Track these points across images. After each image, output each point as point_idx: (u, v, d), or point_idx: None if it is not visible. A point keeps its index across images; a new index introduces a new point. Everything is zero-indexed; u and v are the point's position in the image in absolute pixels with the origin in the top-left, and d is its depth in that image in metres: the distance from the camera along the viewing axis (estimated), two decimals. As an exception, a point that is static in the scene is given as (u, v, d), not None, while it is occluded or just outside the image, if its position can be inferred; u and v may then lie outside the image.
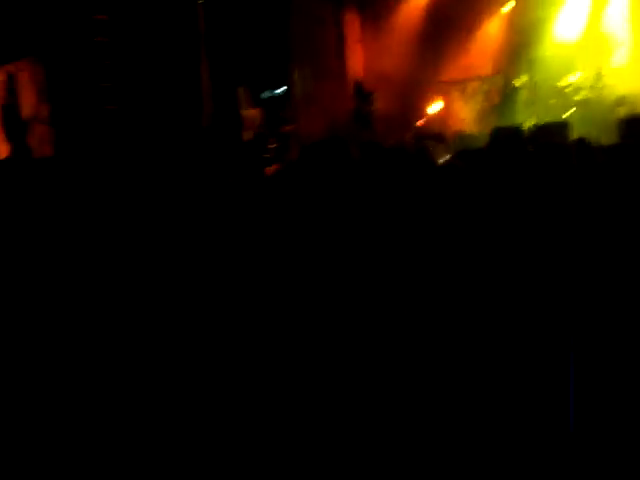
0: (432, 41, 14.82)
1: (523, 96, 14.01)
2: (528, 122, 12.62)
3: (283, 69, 13.12)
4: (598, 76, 13.61)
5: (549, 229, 4.20)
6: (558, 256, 3.88)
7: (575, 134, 9.98)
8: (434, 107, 14.74)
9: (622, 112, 11.91)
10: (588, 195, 4.37)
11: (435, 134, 11.06)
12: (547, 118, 12.28)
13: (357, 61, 15.08)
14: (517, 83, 14.03)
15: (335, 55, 14.61)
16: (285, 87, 13.23)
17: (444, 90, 14.73)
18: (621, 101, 12.87)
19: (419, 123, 14.40)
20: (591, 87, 13.49)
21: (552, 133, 10.03)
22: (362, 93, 13.21)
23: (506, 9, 14.99)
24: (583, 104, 13.18)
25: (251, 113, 12.06)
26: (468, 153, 6.53)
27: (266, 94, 13.10)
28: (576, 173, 4.76)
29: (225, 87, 11.63)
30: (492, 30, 15.04)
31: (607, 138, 9.62)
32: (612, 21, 14.04)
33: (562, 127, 10.91)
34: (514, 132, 11.28)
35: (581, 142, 7.58)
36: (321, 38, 14.30)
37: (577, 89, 13.46)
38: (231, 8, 11.65)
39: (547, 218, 4.35)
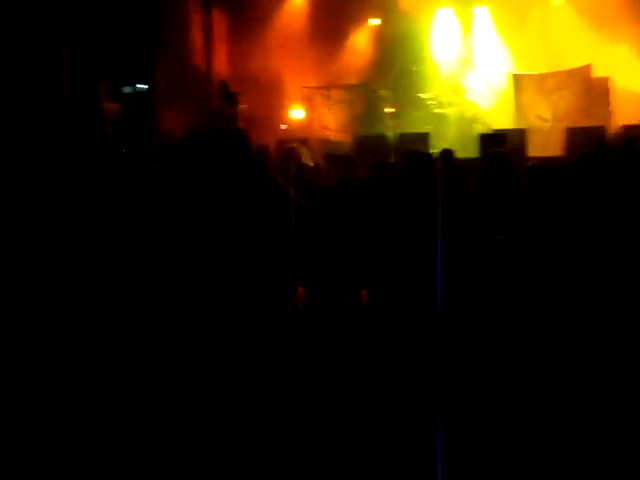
0: (300, 47, 14.89)
1: (386, 106, 14.32)
2: (390, 131, 12.92)
3: (146, 65, 12.77)
4: (458, 92, 14.14)
5: (412, 229, 4.29)
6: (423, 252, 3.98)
7: (435, 145, 10.41)
8: (299, 112, 14.78)
9: (478, 128, 12.48)
10: (452, 203, 4.46)
11: (299, 138, 11.12)
12: (409, 129, 12.63)
13: (224, 61, 14.91)
14: (382, 93, 14.31)
15: (201, 54, 14.38)
16: (147, 84, 12.87)
17: (309, 96, 14.80)
18: (477, 118, 13.44)
19: (284, 126, 14.40)
20: (450, 102, 13.99)
21: (413, 143, 10.40)
22: (227, 93, 12.98)
23: (375, 22, 15.29)
24: (443, 118, 13.63)
25: (111, 107, 11.63)
26: (333, 157, 6.58)
27: (127, 89, 12.70)
28: (439, 181, 4.86)
29: (86, 80, 11.23)
30: (360, 41, 15.30)
31: (465, 151, 10.02)
32: (474, 41, 14.64)
33: (423, 138, 11.36)
34: (378, 139, 11.52)
35: (445, 153, 7.84)
36: (187, 37, 14.05)
37: (438, 103, 13.91)
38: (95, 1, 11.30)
39: (407, 221, 4.43)
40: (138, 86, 12.97)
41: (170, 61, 13.28)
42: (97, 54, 11.43)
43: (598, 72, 12.22)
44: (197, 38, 14.34)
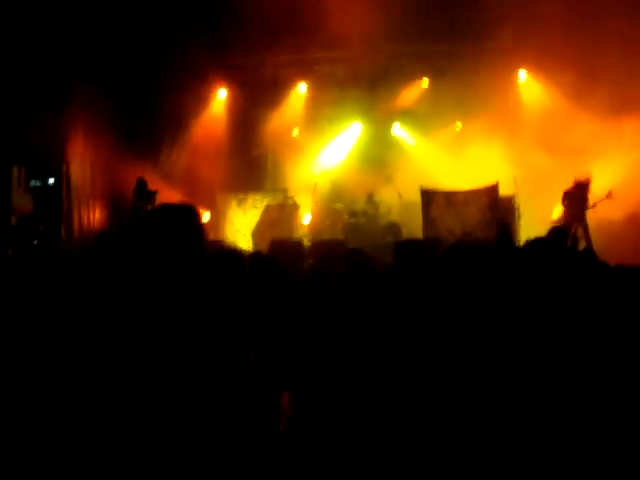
0: (218, 151, 15.15)
1: (302, 213, 14.56)
2: (304, 238, 13.08)
3: (57, 159, 12.59)
4: (370, 204, 14.55)
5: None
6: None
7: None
8: (211, 215, 14.80)
9: (389, 238, 12.76)
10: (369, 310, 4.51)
11: (213, 241, 11.08)
12: (324, 236, 12.83)
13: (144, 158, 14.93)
14: (298, 201, 14.57)
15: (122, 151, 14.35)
16: (56, 178, 12.65)
17: (225, 199, 14.93)
18: (389, 228, 13.78)
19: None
20: (363, 213, 14.36)
21: (329, 249, 10.51)
22: (143, 190, 12.83)
23: (295, 132, 15.77)
24: (356, 227, 13.92)
25: (23, 197, 11.34)
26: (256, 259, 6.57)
27: (36, 182, 12.44)
28: (355, 286, 4.92)
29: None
30: (280, 148, 15.72)
31: (380, 259, 10.16)
32: (386, 154, 15.25)
33: (338, 245, 11.52)
34: (293, 245, 11.59)
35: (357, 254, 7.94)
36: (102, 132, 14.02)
37: (351, 213, 14.25)
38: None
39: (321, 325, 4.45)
40: (49, 180, 12.75)
41: (83, 156, 13.17)
42: (9, 140, 11.19)
43: (504, 190, 12.81)
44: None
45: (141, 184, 12.64)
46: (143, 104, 14.28)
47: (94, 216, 13.31)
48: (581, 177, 11.63)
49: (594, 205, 11.42)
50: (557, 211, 12.00)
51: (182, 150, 15.12)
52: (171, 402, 2.78)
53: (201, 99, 15.27)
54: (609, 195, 11.14)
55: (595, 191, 11.52)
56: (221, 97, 15.58)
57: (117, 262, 3.23)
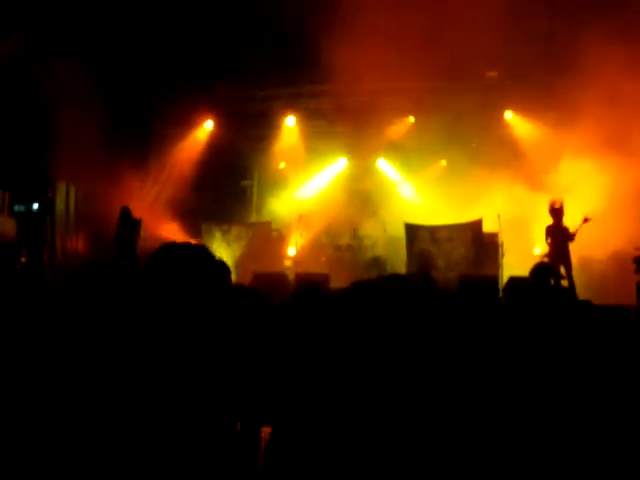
0: (201, 180, 15.20)
1: (287, 246, 14.57)
2: (288, 271, 13.06)
3: (42, 184, 12.57)
4: (355, 238, 14.60)
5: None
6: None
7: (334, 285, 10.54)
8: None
9: (374, 272, 12.77)
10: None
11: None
12: (308, 269, 12.82)
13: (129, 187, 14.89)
14: (284, 234, 14.59)
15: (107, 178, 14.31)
16: (42, 203, 12.61)
17: (209, 230, 14.90)
18: (374, 262, 13.81)
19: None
20: (348, 247, 14.39)
21: (314, 283, 10.50)
22: (128, 219, 12.73)
23: (282, 165, 15.86)
24: (340, 261, 13.94)
25: (6, 222, 11.26)
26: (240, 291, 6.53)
27: (20, 207, 12.40)
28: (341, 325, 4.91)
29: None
30: (266, 180, 15.82)
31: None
32: (372, 189, 15.34)
33: (324, 278, 11.52)
34: (277, 277, 11.57)
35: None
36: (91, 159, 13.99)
37: (336, 247, 14.30)
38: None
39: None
40: (33, 206, 12.71)
41: (67, 182, 13.12)
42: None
43: (488, 227, 12.87)
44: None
45: (126, 212, 12.57)
46: (130, 132, 14.28)
47: (77, 243, 13.22)
48: (555, 202, 11.70)
49: (574, 234, 11.43)
50: (540, 247, 12.04)
51: (167, 179, 15.11)
52: (153, 429, 2.76)
53: (188, 129, 15.33)
54: (586, 220, 11.19)
55: (575, 222, 11.54)
56: (208, 127, 15.64)
57: (99, 295, 3.18)
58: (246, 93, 14.57)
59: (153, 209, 14.13)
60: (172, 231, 14.17)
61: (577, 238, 11.45)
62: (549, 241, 11.65)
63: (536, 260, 9.88)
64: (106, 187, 13.31)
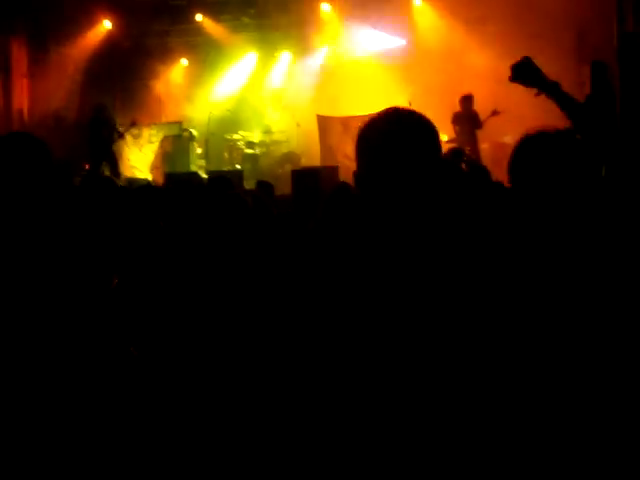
0: (107, 83, 14.49)
1: (196, 146, 14.25)
2: (201, 170, 12.81)
3: None
4: (267, 134, 14.38)
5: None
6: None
7: (248, 184, 10.41)
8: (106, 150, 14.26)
9: (288, 167, 12.67)
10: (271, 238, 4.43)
11: (106, 177, 10.69)
12: (220, 168, 12.61)
13: (24, 96, 14.14)
14: (195, 133, 14.21)
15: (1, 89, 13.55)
16: None
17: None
18: (287, 157, 13.69)
19: (87, 166, 13.81)
20: (260, 143, 14.19)
21: (227, 181, 10.33)
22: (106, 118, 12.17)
23: (184, 62, 15.25)
24: (253, 158, 13.77)
25: None
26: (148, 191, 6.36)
27: None
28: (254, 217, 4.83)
29: None
30: (173, 80, 15.20)
31: (278, 190, 10.10)
32: (283, 84, 14.99)
33: (237, 175, 11.35)
34: (189, 177, 11.35)
35: (262, 185, 7.85)
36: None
37: (248, 144, 14.05)
38: None
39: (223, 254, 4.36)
40: None
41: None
42: None
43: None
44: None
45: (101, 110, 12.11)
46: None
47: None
48: (465, 92, 11.77)
49: (482, 122, 11.54)
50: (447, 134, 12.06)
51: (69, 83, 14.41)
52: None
53: (85, 29, 14.51)
54: (494, 112, 11.27)
55: (486, 111, 11.60)
56: (107, 26, 14.79)
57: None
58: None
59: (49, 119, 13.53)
60: (76, 140, 13.62)
61: (490, 125, 11.56)
62: (457, 128, 11.74)
63: (446, 144, 9.99)
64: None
